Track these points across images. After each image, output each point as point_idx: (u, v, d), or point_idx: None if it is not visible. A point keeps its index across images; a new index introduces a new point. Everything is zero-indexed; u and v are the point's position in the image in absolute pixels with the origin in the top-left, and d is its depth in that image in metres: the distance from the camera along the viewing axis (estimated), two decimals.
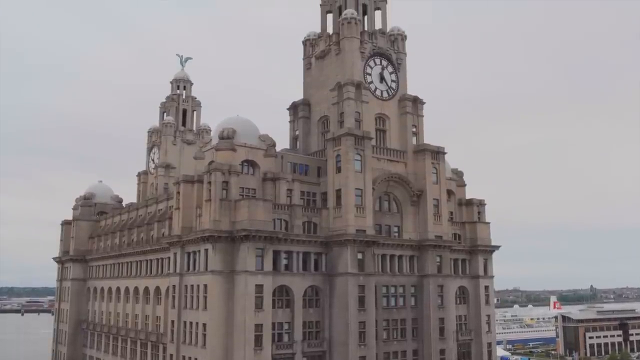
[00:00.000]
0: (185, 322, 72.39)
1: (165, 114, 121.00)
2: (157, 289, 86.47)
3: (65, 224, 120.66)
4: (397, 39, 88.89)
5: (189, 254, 73.82)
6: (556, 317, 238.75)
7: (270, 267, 69.18)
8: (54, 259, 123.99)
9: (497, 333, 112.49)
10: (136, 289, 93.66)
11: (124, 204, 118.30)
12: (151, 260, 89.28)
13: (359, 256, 73.95)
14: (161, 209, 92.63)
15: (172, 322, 74.77)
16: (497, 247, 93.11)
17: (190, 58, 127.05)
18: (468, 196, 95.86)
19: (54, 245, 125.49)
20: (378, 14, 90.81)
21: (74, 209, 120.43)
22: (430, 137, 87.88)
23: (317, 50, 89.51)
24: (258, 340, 66.92)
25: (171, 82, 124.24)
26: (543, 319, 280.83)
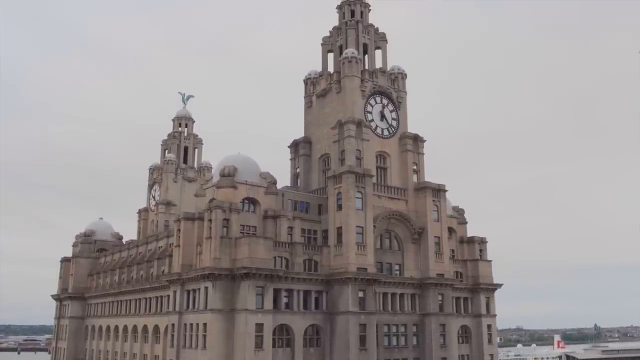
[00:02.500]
0: None
1: (166, 151, 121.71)
2: (156, 327, 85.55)
3: (65, 261, 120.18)
4: (398, 77, 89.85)
5: (188, 292, 73.27)
6: (560, 357, 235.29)
7: (270, 306, 68.52)
8: (52, 296, 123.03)
9: None
10: (135, 328, 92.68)
11: (124, 241, 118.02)
12: (150, 298, 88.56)
13: (360, 294, 73.35)
14: (161, 247, 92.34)
15: None
16: (499, 285, 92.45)
17: (192, 96, 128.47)
18: (469, 234, 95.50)
19: (53, 282, 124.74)
20: (378, 53, 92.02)
21: (74, 246, 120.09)
22: (431, 174, 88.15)
23: (318, 89, 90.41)
24: None
25: (173, 120, 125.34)
26: (547, 358, 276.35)
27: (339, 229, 75.90)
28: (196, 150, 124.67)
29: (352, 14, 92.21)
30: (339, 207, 76.49)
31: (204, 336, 67.73)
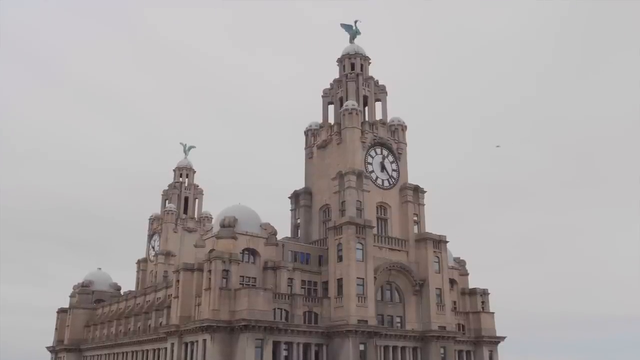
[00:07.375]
0: None
1: (167, 201, 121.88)
2: None
3: (61, 312, 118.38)
4: (398, 129, 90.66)
5: (186, 344, 72.09)
6: None
7: (269, 359, 67.29)
8: (47, 348, 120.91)
9: None
10: None
11: (122, 291, 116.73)
12: (147, 350, 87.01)
13: (361, 347, 72.13)
14: (160, 298, 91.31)
15: None
16: (503, 338, 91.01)
17: (194, 147, 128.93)
18: (471, 285, 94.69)
19: (49, 333, 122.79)
20: (378, 105, 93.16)
21: (71, 296, 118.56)
22: (432, 225, 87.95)
23: (318, 140, 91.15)
24: None
25: (174, 170, 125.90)
26: None
27: (340, 280, 75.28)
28: (197, 200, 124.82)
29: (352, 66, 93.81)
30: (340, 259, 76.07)
31: None
